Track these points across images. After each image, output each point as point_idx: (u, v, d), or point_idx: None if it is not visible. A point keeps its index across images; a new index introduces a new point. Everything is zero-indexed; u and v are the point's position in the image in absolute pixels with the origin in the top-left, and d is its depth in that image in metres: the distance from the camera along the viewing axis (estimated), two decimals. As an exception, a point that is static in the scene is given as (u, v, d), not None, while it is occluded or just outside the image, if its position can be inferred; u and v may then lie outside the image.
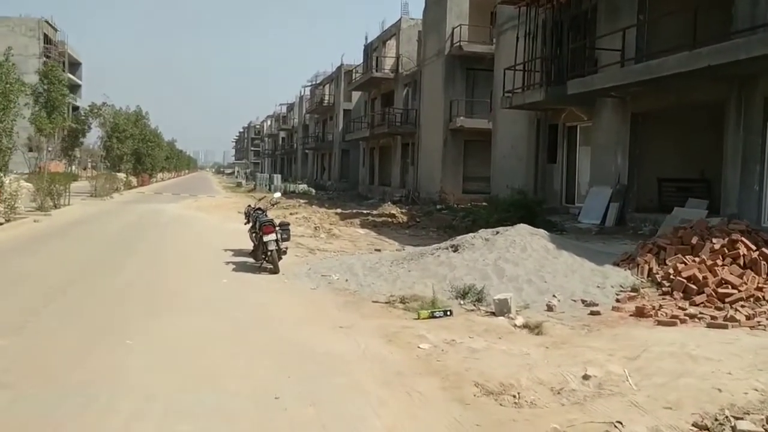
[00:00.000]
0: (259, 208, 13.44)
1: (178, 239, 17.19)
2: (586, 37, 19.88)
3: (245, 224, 15.00)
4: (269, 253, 11.57)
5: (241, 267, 12.30)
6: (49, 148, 48.43)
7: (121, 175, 40.76)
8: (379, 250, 15.59)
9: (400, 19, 41.34)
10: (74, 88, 79.43)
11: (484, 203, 24.22)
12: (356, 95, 56.51)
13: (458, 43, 31.81)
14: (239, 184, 66.97)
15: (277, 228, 11.82)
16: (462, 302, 9.25)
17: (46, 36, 73.12)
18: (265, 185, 52.19)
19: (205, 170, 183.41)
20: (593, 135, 19.86)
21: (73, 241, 16.13)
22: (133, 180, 45.89)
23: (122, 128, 39.30)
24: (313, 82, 70.55)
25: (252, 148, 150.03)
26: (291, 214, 28.02)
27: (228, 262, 12.82)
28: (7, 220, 18.16)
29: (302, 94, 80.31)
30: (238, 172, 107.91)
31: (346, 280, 10.67)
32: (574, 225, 18.65)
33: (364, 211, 29.52)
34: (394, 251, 14.94)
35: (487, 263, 10.32)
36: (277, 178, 53.32)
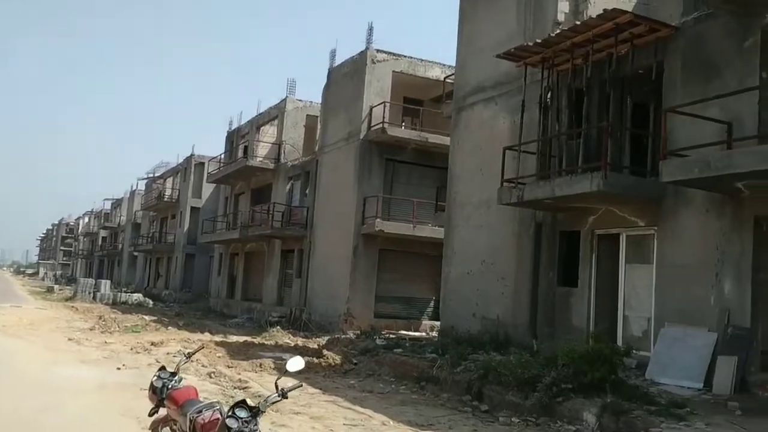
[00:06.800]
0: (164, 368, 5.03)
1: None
2: (654, 106, 13.71)
3: (151, 413, 6.43)
4: None
5: None
6: None
7: None
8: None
9: (285, 99, 33.91)
10: None
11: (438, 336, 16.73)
12: (207, 191, 47.88)
13: (380, 125, 24.93)
14: (50, 289, 54.82)
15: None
16: None
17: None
18: (89, 292, 41.38)
19: (2, 269, 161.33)
20: (664, 248, 13.24)
21: None
22: None
23: None
24: (152, 174, 60.65)
25: (62, 248, 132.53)
26: (153, 344, 19.12)
27: None
28: None
29: (134, 188, 69.56)
30: (45, 274, 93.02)
31: None
32: (661, 388, 11.62)
33: (255, 341, 21.18)
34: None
35: None
36: (105, 285, 42.55)
